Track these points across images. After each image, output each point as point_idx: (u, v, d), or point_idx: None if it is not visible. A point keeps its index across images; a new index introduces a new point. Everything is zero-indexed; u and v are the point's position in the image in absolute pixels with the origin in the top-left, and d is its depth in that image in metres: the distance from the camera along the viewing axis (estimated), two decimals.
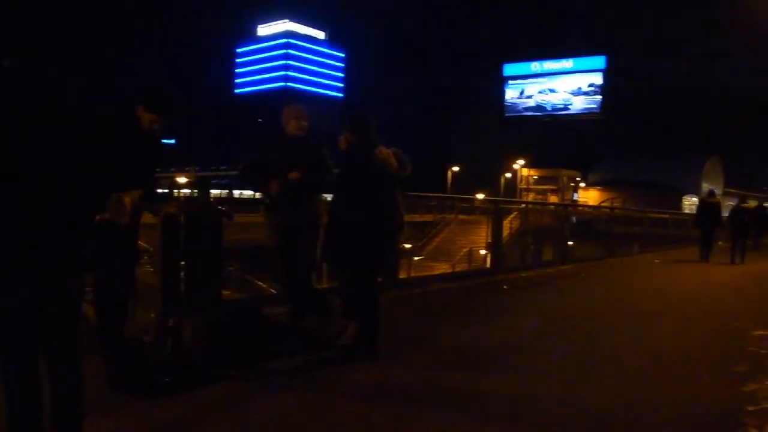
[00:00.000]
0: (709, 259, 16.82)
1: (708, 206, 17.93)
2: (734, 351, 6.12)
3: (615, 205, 49.36)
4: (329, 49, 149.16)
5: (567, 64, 79.85)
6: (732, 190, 78.68)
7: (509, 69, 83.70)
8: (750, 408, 4.37)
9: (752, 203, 25.92)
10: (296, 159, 5.40)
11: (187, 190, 69.01)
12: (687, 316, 8.31)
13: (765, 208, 22.21)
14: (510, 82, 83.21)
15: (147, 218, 4.43)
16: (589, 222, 22.31)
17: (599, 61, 77.68)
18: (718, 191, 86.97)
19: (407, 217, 5.71)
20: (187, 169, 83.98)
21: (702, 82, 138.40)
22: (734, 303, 9.81)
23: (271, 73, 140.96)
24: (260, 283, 11.45)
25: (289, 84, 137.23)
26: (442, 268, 16.90)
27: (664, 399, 4.58)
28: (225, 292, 6.30)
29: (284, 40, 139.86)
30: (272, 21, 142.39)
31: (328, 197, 5.90)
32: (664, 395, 4.67)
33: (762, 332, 6.99)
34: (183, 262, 4.70)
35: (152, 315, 4.92)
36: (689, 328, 7.38)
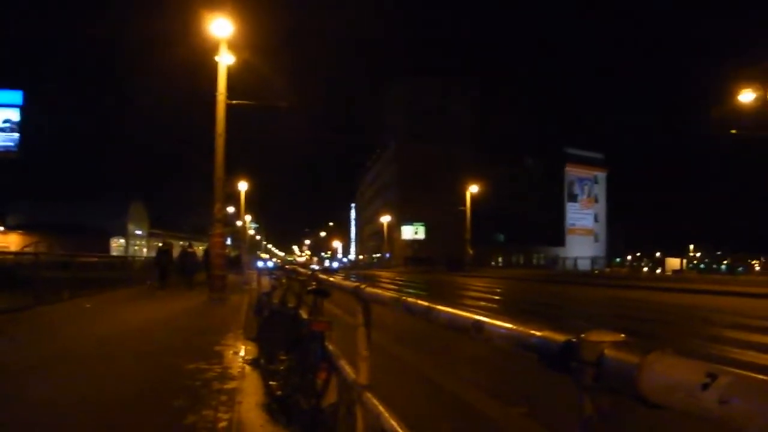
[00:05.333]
0: (165, 288, 22.92)
1: (163, 251, 25.87)
2: (171, 386, 6.18)
3: (39, 249, 47.04)
4: None
5: None
6: (157, 231, 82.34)
7: None
8: None
9: (199, 247, 29.73)
10: None
11: None
12: (122, 357, 8.17)
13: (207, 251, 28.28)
14: None
15: None
16: (11, 269, 20.65)
17: (16, 97, 73.41)
18: (144, 232, 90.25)
19: None
20: None
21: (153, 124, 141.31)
22: (167, 338, 10.02)
23: None
24: None
25: None
26: None
27: None
28: None
29: None
30: None
31: None
32: None
33: (194, 365, 7.25)
34: None
35: None
36: (125, 370, 7.23)
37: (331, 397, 4.28)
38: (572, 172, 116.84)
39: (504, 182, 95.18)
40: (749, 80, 25.47)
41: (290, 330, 6.09)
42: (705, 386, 0.84)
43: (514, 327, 1.43)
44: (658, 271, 57.99)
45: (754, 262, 47.34)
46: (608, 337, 1.10)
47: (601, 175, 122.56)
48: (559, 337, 1.22)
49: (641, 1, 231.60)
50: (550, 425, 5.31)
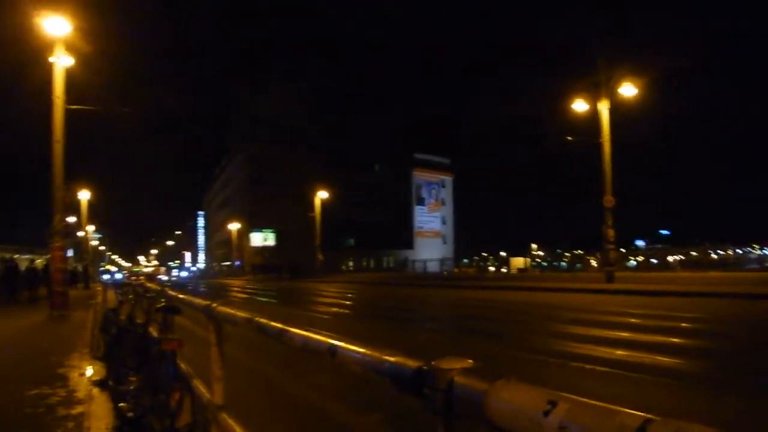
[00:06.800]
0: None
1: (9, 267, 25.22)
2: (9, 416, 5.75)
3: None
4: None
5: None
6: None
7: None
8: None
9: (40, 261, 28.76)
10: None
11: None
12: None
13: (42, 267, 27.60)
14: None
15: None
16: None
17: None
18: None
19: None
20: None
21: None
22: (4, 361, 9.32)
23: None
24: None
25: None
26: None
27: None
28: None
29: None
30: None
31: None
32: None
33: (36, 390, 6.78)
34: None
35: None
36: None
37: (186, 416, 4.16)
38: (420, 176, 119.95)
39: (353, 187, 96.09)
40: (582, 90, 27.17)
41: (139, 348, 5.85)
42: (546, 413, 0.89)
43: (368, 352, 1.45)
44: (504, 270, 60.42)
45: (590, 258, 50.31)
46: (458, 363, 1.14)
47: (448, 179, 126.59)
48: (412, 364, 1.25)
49: (493, 8, 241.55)
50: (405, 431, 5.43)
